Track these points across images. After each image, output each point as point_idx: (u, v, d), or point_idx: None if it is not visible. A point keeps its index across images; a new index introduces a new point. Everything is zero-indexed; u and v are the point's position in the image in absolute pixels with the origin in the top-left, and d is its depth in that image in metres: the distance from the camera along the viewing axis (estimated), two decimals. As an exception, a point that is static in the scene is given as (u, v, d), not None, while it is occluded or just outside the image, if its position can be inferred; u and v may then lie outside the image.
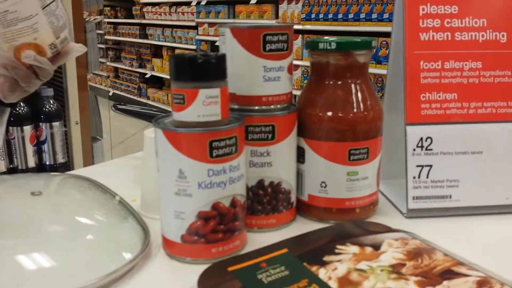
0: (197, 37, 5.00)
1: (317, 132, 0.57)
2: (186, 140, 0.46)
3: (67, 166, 1.56)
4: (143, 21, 5.95)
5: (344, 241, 0.49)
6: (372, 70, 3.11)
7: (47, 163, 1.51)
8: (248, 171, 0.54)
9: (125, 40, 6.37)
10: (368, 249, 0.47)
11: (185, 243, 0.49)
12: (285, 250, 0.48)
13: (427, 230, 0.54)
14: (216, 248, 0.49)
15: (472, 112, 0.60)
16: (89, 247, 0.50)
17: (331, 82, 0.57)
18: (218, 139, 0.47)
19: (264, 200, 0.56)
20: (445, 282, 0.41)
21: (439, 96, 0.59)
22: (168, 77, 5.63)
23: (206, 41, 4.93)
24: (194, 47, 5.11)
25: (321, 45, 0.55)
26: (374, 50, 0.56)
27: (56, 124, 1.49)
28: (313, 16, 3.54)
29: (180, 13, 5.26)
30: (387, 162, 0.63)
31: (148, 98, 5.95)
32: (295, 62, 3.63)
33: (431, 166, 0.59)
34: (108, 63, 6.36)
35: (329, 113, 0.56)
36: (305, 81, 3.59)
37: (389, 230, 0.52)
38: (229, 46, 0.53)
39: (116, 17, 6.43)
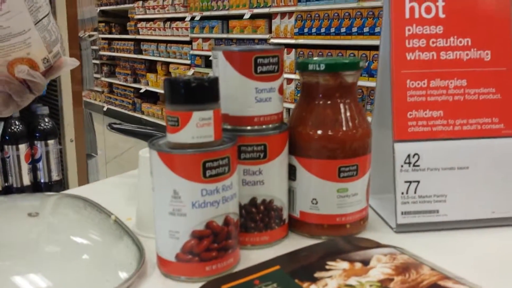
0: (192, 52, 5.04)
1: (308, 150, 0.58)
2: (180, 161, 0.48)
3: (62, 183, 1.56)
4: (138, 37, 5.99)
5: (335, 257, 0.50)
6: (364, 83, 3.15)
7: (42, 180, 1.52)
8: (241, 189, 0.55)
9: (120, 55, 6.41)
10: (358, 265, 0.48)
11: (180, 261, 0.50)
12: (277, 267, 0.49)
13: (416, 244, 0.56)
14: (210, 266, 0.50)
15: (458, 128, 0.61)
16: (86, 267, 0.51)
17: (321, 102, 0.59)
18: (211, 160, 0.48)
19: (257, 217, 0.57)
20: (432, 297, 0.42)
21: (426, 114, 0.61)
22: (162, 91, 5.65)
23: (200, 56, 4.97)
24: (188, 61, 5.14)
25: (310, 66, 0.57)
26: (362, 70, 0.58)
27: (51, 142, 1.50)
28: (306, 30, 3.58)
29: (174, 28, 5.30)
30: (376, 177, 0.64)
31: (143, 113, 5.96)
32: (289, 76, 3.67)
33: (418, 181, 0.61)
34: (102, 79, 6.38)
35: (319, 132, 0.58)
36: (299, 95, 3.63)
37: (378, 245, 0.54)
38: (222, 68, 0.55)
39: (110, 32, 6.47)
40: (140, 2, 5.77)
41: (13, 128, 1.44)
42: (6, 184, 1.47)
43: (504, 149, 0.62)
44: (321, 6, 3.43)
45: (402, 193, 0.61)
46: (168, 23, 5.41)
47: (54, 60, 0.65)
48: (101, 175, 1.72)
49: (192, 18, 4.92)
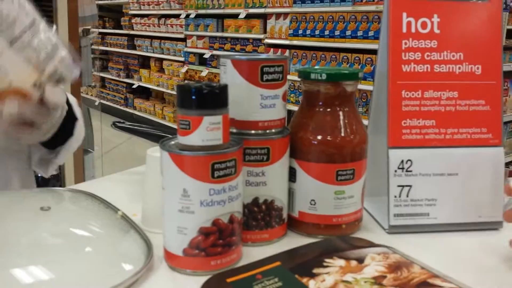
0: (186, 49, 5.06)
1: (308, 154, 0.62)
2: (191, 162, 0.51)
3: (59, 177, 1.58)
4: (132, 32, 5.99)
5: (332, 255, 0.54)
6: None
7: (39, 174, 1.53)
8: (245, 190, 0.59)
9: (113, 50, 6.40)
10: (353, 263, 0.52)
11: (187, 256, 0.53)
12: (278, 263, 0.53)
13: (407, 244, 0.60)
14: (215, 261, 0.54)
15: (449, 137, 0.65)
16: (96, 259, 0.54)
17: (321, 109, 0.62)
18: (219, 162, 0.51)
19: (259, 216, 0.60)
20: (421, 293, 0.46)
21: (419, 123, 0.65)
22: (155, 87, 5.66)
23: (194, 53, 4.99)
24: (182, 59, 5.16)
25: (312, 76, 0.61)
26: (361, 80, 0.61)
27: (49, 136, 1.52)
28: (300, 32, 3.62)
29: (169, 25, 5.31)
30: (371, 180, 0.68)
31: (135, 108, 5.97)
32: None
33: (411, 186, 0.65)
34: (95, 73, 6.37)
35: (319, 137, 0.61)
36: (292, 95, 3.65)
37: (372, 245, 0.57)
38: (230, 75, 0.58)
39: (104, 27, 6.45)
40: (135, -2, 5.77)
41: (12, 122, 1.45)
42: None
43: (491, 157, 0.66)
44: (316, 8, 3.47)
45: (395, 197, 0.64)
46: (163, 19, 5.41)
47: (56, 78, 0.53)
48: (97, 171, 1.74)
49: (187, 16, 4.93)
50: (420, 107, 0.65)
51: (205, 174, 0.51)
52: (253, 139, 0.58)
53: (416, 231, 0.65)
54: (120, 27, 6.22)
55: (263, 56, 0.61)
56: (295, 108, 3.53)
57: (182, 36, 5.08)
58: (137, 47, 5.98)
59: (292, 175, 0.63)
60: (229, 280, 0.50)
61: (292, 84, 3.64)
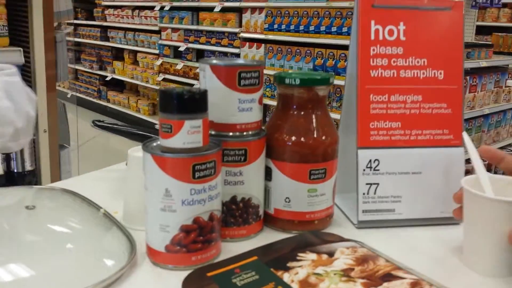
0: (160, 41, 5.03)
1: (283, 154, 0.65)
2: (173, 164, 0.54)
3: (35, 173, 1.58)
4: (105, 24, 5.91)
5: (304, 250, 0.58)
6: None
7: (15, 170, 1.54)
8: (223, 189, 0.62)
9: (86, 41, 6.31)
10: (324, 256, 0.56)
11: (169, 252, 0.56)
12: (255, 258, 0.57)
13: (374, 238, 0.64)
14: (196, 257, 0.57)
15: (413, 138, 0.70)
16: (81, 256, 0.57)
17: (295, 112, 0.66)
18: (200, 163, 0.54)
19: (236, 213, 0.64)
20: (385, 284, 0.50)
21: (386, 124, 0.69)
22: (129, 80, 5.62)
23: (169, 46, 4.96)
24: (157, 51, 5.13)
25: (287, 80, 0.64)
26: (331, 85, 0.65)
27: (24, 132, 1.51)
28: (275, 26, 3.65)
29: (143, 17, 5.27)
30: (341, 177, 0.72)
31: (108, 101, 5.91)
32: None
33: (378, 184, 0.69)
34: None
35: (293, 138, 0.65)
36: (267, 89, 3.68)
37: (341, 239, 0.62)
38: (209, 80, 0.61)
39: (76, 18, 6.34)
40: (108, -11, 5.70)
41: (-14, 118, 1.45)
42: (-22, 173, 1.48)
43: (452, 157, 0.71)
44: (290, 3, 3.51)
45: (364, 194, 0.69)
46: (137, 11, 5.36)
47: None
48: (73, 166, 1.74)
49: (162, 8, 4.90)
50: (387, 110, 0.69)
51: (186, 175, 0.54)
52: (231, 141, 0.62)
53: (383, 226, 0.70)
54: (93, 18, 6.13)
55: (241, 61, 0.64)
56: (271, 102, 3.57)
57: (156, 28, 5.05)
58: (110, 39, 5.91)
59: (268, 174, 0.66)
60: (209, 274, 0.53)
61: (268, 79, 3.68)
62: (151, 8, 5.07)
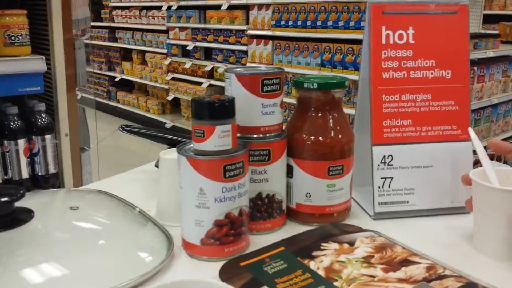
0: (168, 41, 5.09)
1: (303, 153, 0.71)
2: (206, 165, 0.60)
3: (58, 176, 1.65)
4: (113, 24, 5.98)
5: (327, 240, 0.63)
6: (339, 75, 3.28)
7: (40, 174, 1.60)
8: (249, 186, 0.67)
9: (94, 43, 6.38)
10: (345, 245, 0.62)
11: (204, 245, 0.62)
12: (282, 248, 0.62)
13: (390, 228, 0.69)
14: (228, 248, 0.63)
15: (424, 134, 0.75)
16: (125, 251, 0.63)
17: (313, 113, 0.71)
18: (230, 164, 0.60)
19: (262, 209, 0.70)
20: (403, 268, 0.56)
21: (398, 122, 0.74)
22: (138, 80, 5.68)
23: (177, 45, 5.02)
24: (165, 51, 5.19)
25: (305, 85, 0.70)
26: (347, 88, 0.70)
27: (48, 136, 1.58)
28: (282, 22, 3.70)
29: (150, 17, 5.33)
30: (357, 172, 0.77)
31: (118, 101, 5.98)
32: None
33: (392, 178, 0.74)
34: (77, 67, 6.34)
35: (312, 138, 0.70)
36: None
37: (360, 230, 0.67)
38: (234, 87, 0.66)
39: (84, 20, 6.41)
40: (116, -10, 5.76)
41: (12, 124, 1.51)
42: (5, 177, 1.55)
43: (461, 150, 0.76)
44: (297, -1, 3.55)
45: (379, 187, 0.74)
46: (144, 11, 5.42)
47: None
48: (93, 168, 1.81)
49: (169, 7, 4.95)
50: (399, 109, 0.74)
51: (218, 174, 0.60)
52: (256, 142, 0.67)
53: (398, 216, 0.75)
54: (101, 20, 6.20)
55: (263, 69, 0.69)
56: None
57: (164, 28, 5.11)
58: (118, 40, 5.98)
59: (289, 172, 0.72)
60: (242, 264, 0.59)
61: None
62: (158, 8, 5.13)
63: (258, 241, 0.67)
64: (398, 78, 0.75)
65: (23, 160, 1.55)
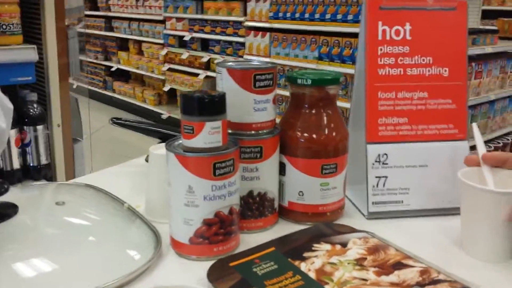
0: (165, 31, 5.05)
1: (296, 150, 0.69)
2: (195, 163, 0.58)
3: (50, 167, 1.63)
4: (109, 14, 5.92)
5: (319, 241, 0.62)
6: (337, 69, 3.27)
7: (31, 164, 1.58)
8: (240, 184, 0.66)
9: (90, 32, 6.32)
10: (338, 247, 0.60)
11: (192, 244, 0.61)
12: (272, 249, 0.61)
13: (384, 229, 0.68)
14: (217, 248, 0.61)
15: (420, 133, 0.74)
16: (112, 249, 0.61)
17: (307, 110, 0.69)
18: (220, 161, 0.58)
19: (253, 207, 0.68)
20: (396, 272, 0.54)
21: (393, 120, 0.73)
22: (134, 70, 5.64)
23: (174, 36, 4.98)
24: (161, 41, 5.15)
25: (299, 81, 0.68)
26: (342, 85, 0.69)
27: (39, 127, 1.56)
28: (280, 14, 3.66)
29: (147, 6, 5.28)
30: (352, 170, 0.76)
31: (114, 91, 5.94)
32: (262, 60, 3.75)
33: (386, 177, 0.73)
34: (73, 56, 6.29)
35: (306, 135, 0.69)
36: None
37: (353, 230, 0.66)
38: (226, 82, 0.65)
39: (80, 8, 6.36)
40: (112, -21, 5.70)
41: (3, 113, 1.49)
42: (-4, 167, 1.53)
43: (457, 150, 0.74)
44: (295, -9, 3.51)
45: (373, 186, 0.73)
46: (141, 1, 5.37)
47: None
48: (86, 159, 1.79)
49: (166, -3, 4.91)
50: (394, 107, 0.73)
51: (207, 172, 0.58)
52: (247, 139, 0.65)
53: (392, 216, 0.73)
54: (97, 9, 6.14)
55: (255, 64, 0.67)
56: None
57: (161, 18, 5.06)
58: (114, 29, 5.93)
59: (282, 170, 0.70)
60: (231, 264, 0.57)
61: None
62: (155, -3, 5.08)
63: (249, 239, 0.66)
64: (394, 75, 0.73)
65: (14, 151, 1.53)
